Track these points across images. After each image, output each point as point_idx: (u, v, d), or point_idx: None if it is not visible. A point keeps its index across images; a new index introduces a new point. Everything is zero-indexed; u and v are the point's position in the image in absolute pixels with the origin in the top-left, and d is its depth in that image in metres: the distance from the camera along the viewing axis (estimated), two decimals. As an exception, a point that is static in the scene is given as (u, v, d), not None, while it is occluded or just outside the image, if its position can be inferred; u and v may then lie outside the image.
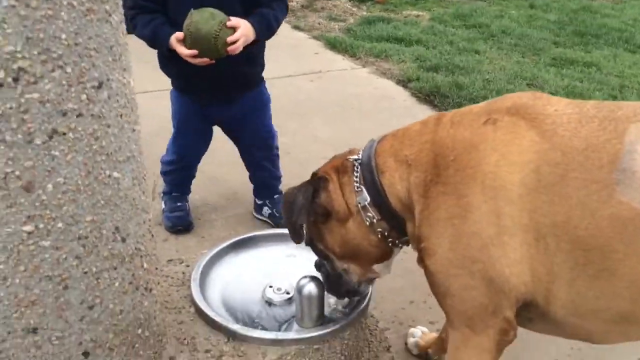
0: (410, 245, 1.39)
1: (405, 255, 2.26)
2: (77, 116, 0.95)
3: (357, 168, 1.34)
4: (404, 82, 4.02)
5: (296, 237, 1.39)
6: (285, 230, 1.82)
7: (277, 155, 2.36)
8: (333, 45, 4.66)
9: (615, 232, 1.03)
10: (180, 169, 2.31)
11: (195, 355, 1.38)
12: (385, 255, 1.41)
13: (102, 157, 1.02)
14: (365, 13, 5.79)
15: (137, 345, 1.25)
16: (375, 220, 1.32)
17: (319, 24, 5.38)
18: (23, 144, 0.90)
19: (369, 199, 1.31)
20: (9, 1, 0.80)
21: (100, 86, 0.97)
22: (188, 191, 2.42)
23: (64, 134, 0.94)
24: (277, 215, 2.33)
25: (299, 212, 1.33)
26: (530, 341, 1.80)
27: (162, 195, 2.40)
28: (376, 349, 1.76)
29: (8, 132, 0.88)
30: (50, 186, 0.96)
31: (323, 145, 2.99)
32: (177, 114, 2.20)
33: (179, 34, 1.85)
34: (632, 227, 1.02)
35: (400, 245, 1.39)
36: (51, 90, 0.90)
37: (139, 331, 1.25)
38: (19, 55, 0.85)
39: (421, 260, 1.29)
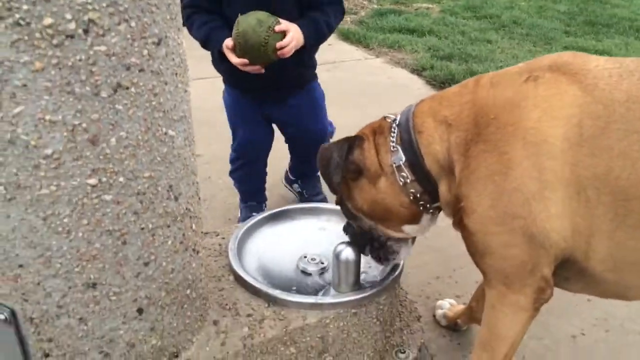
0: (442, 211, 1.41)
1: (429, 234, 2.30)
2: (139, 71, 0.98)
3: (395, 129, 1.36)
4: (418, 71, 4.06)
5: (334, 191, 1.42)
6: (318, 204, 1.88)
7: None
8: (346, 36, 4.70)
9: None
10: (245, 164, 2.27)
11: (238, 319, 1.41)
12: (414, 217, 1.42)
13: (159, 113, 1.05)
14: (376, 6, 5.82)
15: (185, 306, 1.28)
16: (408, 181, 1.34)
17: (330, 16, 5.41)
18: (90, 97, 0.94)
19: (404, 158, 1.33)
20: (82, -46, 0.84)
21: (159, 43, 1.00)
22: (263, 198, 2.38)
23: (127, 88, 0.97)
24: (306, 196, 2.36)
25: (334, 170, 1.35)
26: (555, 309, 1.83)
27: (240, 206, 2.38)
28: (407, 318, 1.79)
29: (77, 84, 0.92)
30: (113, 140, 0.99)
31: (341, 130, 3.02)
32: (231, 108, 2.19)
33: (229, 42, 1.84)
34: None
35: (431, 210, 1.40)
36: (117, 44, 0.93)
37: (188, 292, 1.28)
38: (90, 7, 0.88)
39: (459, 223, 1.31)
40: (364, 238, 1.50)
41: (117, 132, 0.99)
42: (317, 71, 2.26)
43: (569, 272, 1.25)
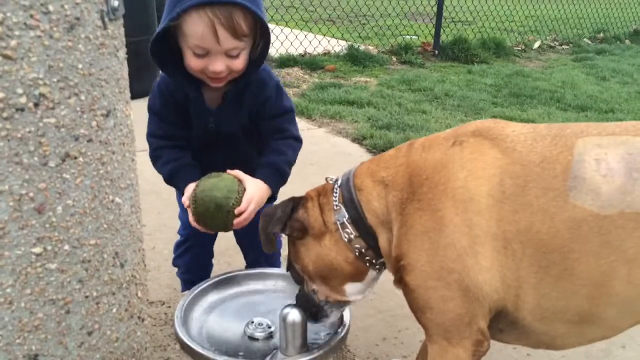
0: (386, 267, 1.48)
1: (375, 296, 2.35)
2: (88, 141, 1.02)
3: (337, 189, 1.45)
4: (358, 140, 4.23)
5: (267, 246, 1.46)
6: (263, 269, 1.90)
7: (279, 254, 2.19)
8: (289, 108, 4.86)
9: (571, 234, 1.16)
10: (192, 247, 2.10)
11: (184, 389, 1.40)
12: (359, 274, 1.47)
13: (107, 182, 1.09)
14: (317, 80, 6.08)
15: (130, 376, 1.27)
16: (352, 237, 1.41)
17: (273, 90, 5.59)
18: (38, 166, 0.97)
19: (347, 215, 1.40)
20: (35, 32, 0.89)
21: (108, 115, 1.05)
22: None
23: (75, 157, 1.01)
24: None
25: (275, 222, 1.42)
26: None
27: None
28: (356, 381, 1.80)
29: (25, 154, 0.95)
30: (60, 208, 1.02)
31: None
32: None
33: (185, 200, 1.67)
34: (586, 227, 1.15)
35: (377, 267, 1.46)
36: (66, 116, 0.98)
37: (132, 361, 1.27)
38: (41, 82, 0.93)
39: (399, 281, 1.38)
40: (306, 300, 1.54)
41: (64, 201, 1.02)
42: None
43: (502, 324, 1.33)
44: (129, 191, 1.17)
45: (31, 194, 0.97)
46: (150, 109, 1.83)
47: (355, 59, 6.91)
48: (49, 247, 1.02)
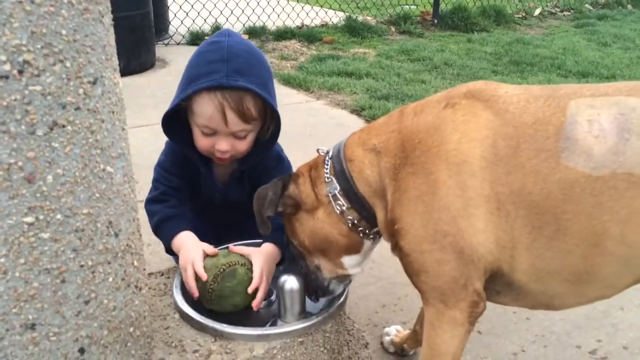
0: (382, 237, 1.48)
1: (373, 264, 2.36)
2: (75, 109, 1.01)
3: (328, 161, 1.44)
4: (357, 111, 4.20)
5: (263, 229, 1.46)
6: (262, 240, 1.90)
7: None
8: (287, 81, 4.83)
9: (564, 195, 1.16)
10: None
11: (184, 356, 1.41)
12: (355, 246, 1.47)
13: (97, 150, 1.08)
14: (315, 52, 6.02)
15: (129, 344, 1.28)
16: (345, 208, 1.41)
17: (271, 63, 5.55)
18: (26, 135, 0.96)
19: (338, 187, 1.40)
20: (16, -2, 0.88)
21: (95, 82, 1.04)
22: None
23: (64, 126, 1.00)
24: None
25: (268, 205, 1.42)
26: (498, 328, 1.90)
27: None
28: (355, 346, 1.82)
29: (12, 123, 0.94)
30: (50, 177, 1.01)
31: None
32: None
33: (201, 271, 1.55)
34: (579, 189, 1.15)
35: (371, 236, 1.46)
36: (52, 84, 0.97)
37: (131, 329, 1.28)
38: (24, 49, 0.91)
39: (395, 246, 1.38)
40: (308, 277, 1.55)
41: (54, 170, 1.01)
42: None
43: (499, 285, 1.33)
44: (120, 160, 1.16)
45: (20, 163, 0.97)
46: (159, 164, 1.82)
47: (353, 30, 6.84)
48: (41, 217, 1.02)
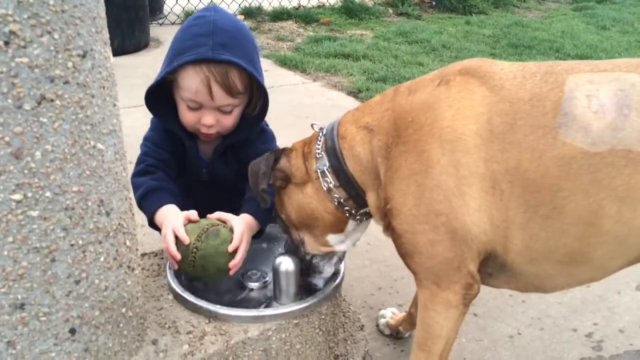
0: (372, 218, 1.45)
1: (369, 247, 2.34)
2: (64, 83, 0.98)
3: (321, 137, 1.42)
4: (354, 93, 4.16)
5: (261, 202, 1.45)
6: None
7: None
8: (283, 62, 4.77)
9: (561, 172, 1.13)
10: None
11: (178, 337, 1.39)
12: (339, 224, 1.45)
13: (87, 126, 1.04)
14: (311, 33, 5.95)
15: (121, 325, 1.25)
16: (332, 186, 1.39)
17: (267, 44, 5.49)
18: (13, 109, 0.92)
19: (328, 164, 1.38)
20: (0, -35, 0.84)
21: (84, 55, 1.00)
22: None
23: (52, 100, 0.97)
24: None
25: (262, 178, 1.40)
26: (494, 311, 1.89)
27: None
28: (350, 328, 1.81)
29: (-2, 96, 0.90)
30: (38, 153, 0.98)
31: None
32: None
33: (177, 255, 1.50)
34: (576, 165, 1.12)
35: (357, 217, 1.44)
36: (39, 56, 0.93)
37: (123, 310, 1.25)
38: (10, 19, 0.88)
39: (387, 227, 1.36)
40: (294, 251, 1.53)
41: (42, 146, 0.98)
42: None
43: (491, 267, 1.31)
44: (111, 137, 1.13)
45: (7, 139, 0.94)
46: (147, 139, 1.77)
47: (350, 11, 6.77)
48: (30, 194, 0.99)
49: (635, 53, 5.58)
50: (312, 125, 1.48)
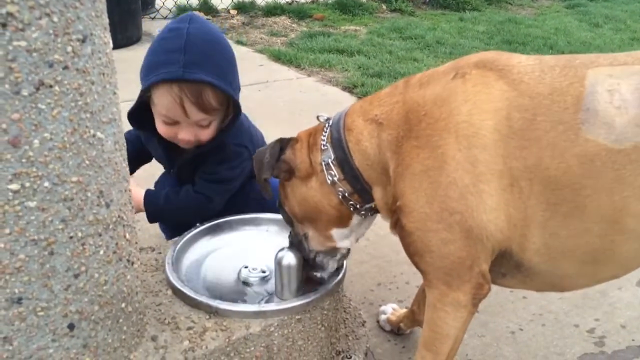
0: (378, 214, 1.42)
1: (368, 242, 2.32)
2: (63, 69, 0.94)
3: (327, 128, 1.38)
4: (349, 88, 4.13)
5: (264, 193, 1.41)
6: (257, 214, 1.85)
7: None
8: (277, 57, 4.73)
9: (583, 169, 1.10)
10: None
11: (178, 333, 1.35)
12: (343, 219, 1.42)
13: (86, 114, 1.01)
14: (305, 29, 5.91)
15: (121, 320, 1.22)
16: (336, 179, 1.35)
17: (261, 39, 5.44)
18: (10, 95, 0.88)
19: (333, 156, 1.34)
20: (-2, -58, 0.80)
21: (84, 40, 0.97)
22: None
23: (51, 86, 0.93)
24: None
25: (266, 168, 1.37)
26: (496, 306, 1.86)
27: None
28: (351, 324, 1.78)
29: (-5, 81, 0.86)
30: (36, 142, 0.94)
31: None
32: None
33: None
34: (599, 162, 1.09)
35: (362, 212, 1.40)
36: (38, 39, 0.89)
37: (123, 305, 1.22)
38: (8, 0, 0.84)
39: (395, 224, 1.31)
40: (297, 245, 1.50)
41: (40, 134, 0.94)
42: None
43: (506, 267, 1.27)
44: (111, 126, 1.09)
45: (4, 125, 0.90)
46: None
47: (344, 7, 6.74)
48: (27, 184, 0.95)
49: (628, 50, 5.60)
50: (317, 116, 1.44)
